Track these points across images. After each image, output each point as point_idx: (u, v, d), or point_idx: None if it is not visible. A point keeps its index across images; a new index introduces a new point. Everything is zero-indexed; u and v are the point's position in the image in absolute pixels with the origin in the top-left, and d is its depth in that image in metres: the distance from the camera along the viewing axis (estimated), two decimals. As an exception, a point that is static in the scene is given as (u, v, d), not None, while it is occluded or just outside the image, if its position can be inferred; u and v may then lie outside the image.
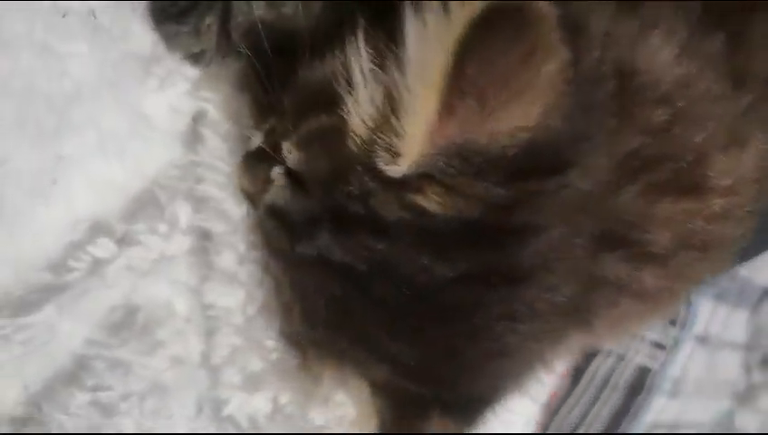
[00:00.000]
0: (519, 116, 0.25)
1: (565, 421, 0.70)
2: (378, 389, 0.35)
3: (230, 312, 0.39)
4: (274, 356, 0.40)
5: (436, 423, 0.35)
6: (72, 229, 0.41)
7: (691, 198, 0.35)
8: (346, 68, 0.29)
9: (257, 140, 0.40)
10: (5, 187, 0.37)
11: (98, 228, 0.41)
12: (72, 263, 0.40)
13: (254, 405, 0.39)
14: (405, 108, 0.26)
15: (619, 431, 0.78)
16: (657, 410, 0.80)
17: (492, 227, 0.29)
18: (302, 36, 0.36)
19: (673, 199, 0.35)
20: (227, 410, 0.39)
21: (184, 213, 0.42)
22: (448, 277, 0.30)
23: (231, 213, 0.40)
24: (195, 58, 0.39)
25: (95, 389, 0.39)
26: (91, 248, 0.40)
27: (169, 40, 0.38)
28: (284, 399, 0.40)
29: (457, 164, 0.26)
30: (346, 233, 0.31)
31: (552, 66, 0.24)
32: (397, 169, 0.28)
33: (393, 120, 0.27)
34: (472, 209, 0.28)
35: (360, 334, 0.33)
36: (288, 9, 0.36)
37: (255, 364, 0.39)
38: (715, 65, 0.33)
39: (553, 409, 0.69)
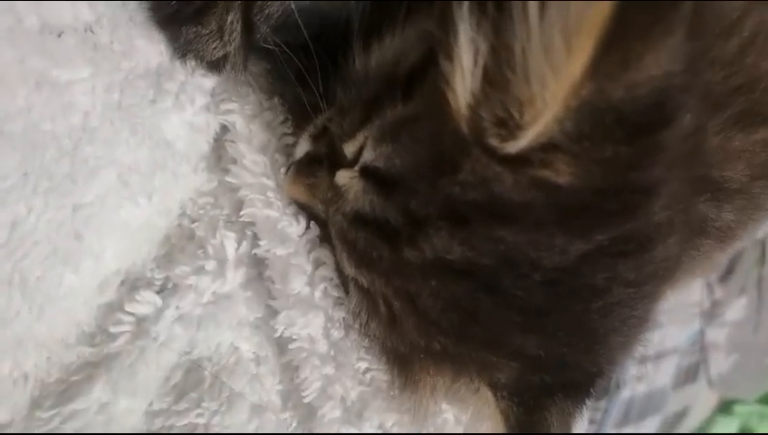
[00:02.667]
0: (652, 64, 0.23)
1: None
2: (499, 389, 0.32)
3: (313, 340, 0.35)
4: (369, 377, 0.36)
5: (558, 407, 0.33)
6: (104, 290, 0.34)
7: (765, 127, 0.35)
8: (442, 38, 0.26)
9: (305, 145, 0.35)
10: (21, 257, 0.30)
11: (132, 282, 0.35)
12: (113, 329, 0.34)
13: (362, 437, 0.35)
14: (537, 70, 0.23)
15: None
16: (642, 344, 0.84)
17: (622, 190, 0.26)
18: (348, 19, 0.32)
19: (747, 132, 0.34)
20: (333, 450, 0.35)
21: (230, 244, 0.36)
22: (581, 255, 0.27)
23: (289, 232, 0.35)
24: (215, 65, 0.34)
25: (174, 464, 0.33)
26: (130, 307, 0.34)
27: (187, 46, 0.32)
28: (390, 421, 0.36)
29: (587, 125, 0.24)
30: (465, 226, 0.27)
31: (685, 8, 0.23)
32: (516, 145, 0.25)
33: (516, 86, 0.24)
34: (602, 175, 0.25)
35: (488, 335, 0.30)
36: (328, -10, 0.31)
37: (354, 391, 0.35)
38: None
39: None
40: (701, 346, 0.99)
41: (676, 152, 0.28)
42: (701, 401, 1.01)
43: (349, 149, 0.32)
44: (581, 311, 0.30)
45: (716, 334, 1.01)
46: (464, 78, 0.25)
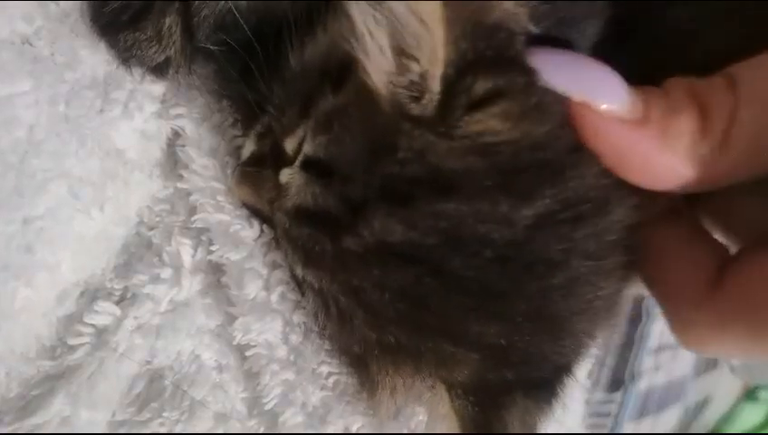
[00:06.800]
0: None
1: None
2: (455, 387, 0.31)
3: (272, 346, 0.34)
4: (332, 381, 0.35)
5: (519, 407, 0.31)
6: (63, 301, 0.34)
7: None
8: (349, 29, 0.26)
9: (251, 146, 0.35)
10: (-29, 272, 0.31)
11: (92, 293, 0.35)
12: (71, 341, 0.34)
13: (327, 441, 0.34)
14: (412, 24, 0.24)
15: (628, 361, 0.79)
16: (658, 334, 0.81)
17: (566, 149, 0.26)
18: (282, 17, 0.31)
19: None
20: (298, 455, 0.34)
21: (186, 250, 0.36)
22: (530, 224, 0.26)
23: (242, 236, 0.35)
24: (158, 69, 0.34)
25: (138, 475, 0.33)
26: (89, 318, 0.34)
27: (126, 53, 0.32)
28: (356, 425, 0.35)
29: (483, 44, 0.24)
30: (406, 204, 0.26)
31: None
32: (433, 97, 0.25)
33: (407, 47, 0.25)
34: (538, 126, 0.25)
35: (442, 324, 0.29)
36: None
37: (316, 396, 0.34)
38: None
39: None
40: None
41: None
42: (724, 389, 0.97)
43: (289, 145, 0.31)
44: (540, 290, 0.28)
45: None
46: (371, 61, 0.26)
